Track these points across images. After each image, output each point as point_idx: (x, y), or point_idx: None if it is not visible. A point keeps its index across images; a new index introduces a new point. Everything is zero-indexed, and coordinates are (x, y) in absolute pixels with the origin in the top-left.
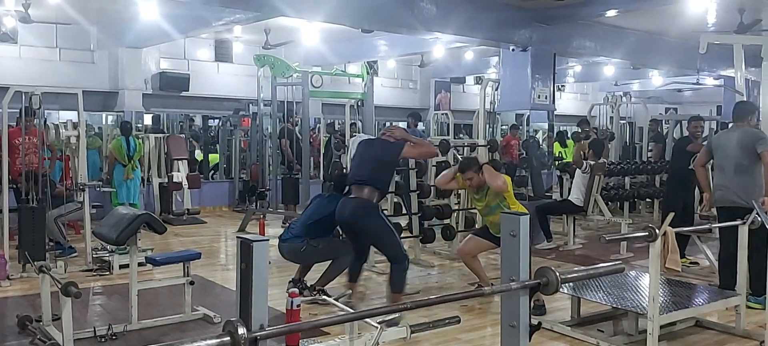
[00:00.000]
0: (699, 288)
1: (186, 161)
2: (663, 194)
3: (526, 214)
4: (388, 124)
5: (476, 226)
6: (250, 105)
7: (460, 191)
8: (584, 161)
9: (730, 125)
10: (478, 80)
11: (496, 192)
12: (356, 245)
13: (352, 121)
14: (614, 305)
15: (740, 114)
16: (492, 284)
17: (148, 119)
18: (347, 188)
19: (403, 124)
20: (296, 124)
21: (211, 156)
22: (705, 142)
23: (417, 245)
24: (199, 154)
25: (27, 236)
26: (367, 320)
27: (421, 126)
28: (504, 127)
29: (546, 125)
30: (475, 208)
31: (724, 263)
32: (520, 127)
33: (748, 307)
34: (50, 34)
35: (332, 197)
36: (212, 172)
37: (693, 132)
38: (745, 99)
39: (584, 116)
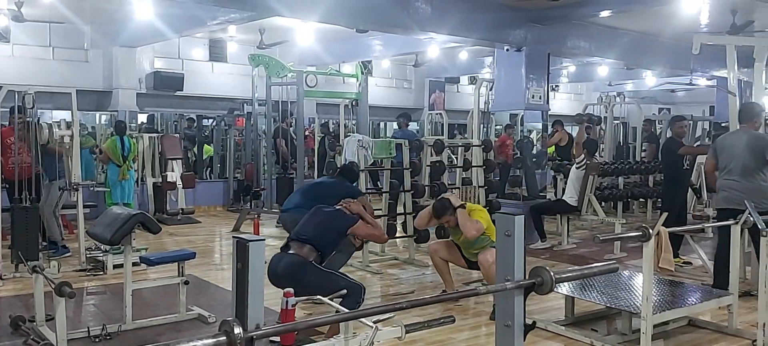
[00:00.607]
0: (692, 288)
1: (180, 161)
2: (661, 195)
3: (520, 214)
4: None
5: None
6: (245, 105)
7: (454, 190)
8: (582, 149)
9: (734, 127)
10: (473, 80)
11: (469, 239)
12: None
13: (347, 121)
14: (608, 305)
15: (746, 116)
16: (485, 285)
17: (142, 118)
18: (286, 243)
19: (395, 125)
20: (291, 125)
21: (205, 147)
22: (697, 144)
23: (411, 245)
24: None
25: (20, 235)
26: (362, 319)
27: (415, 125)
28: (498, 127)
29: (540, 125)
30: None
31: (719, 263)
32: (515, 126)
33: None
34: (44, 33)
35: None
36: (207, 168)
37: (677, 133)
38: (737, 100)
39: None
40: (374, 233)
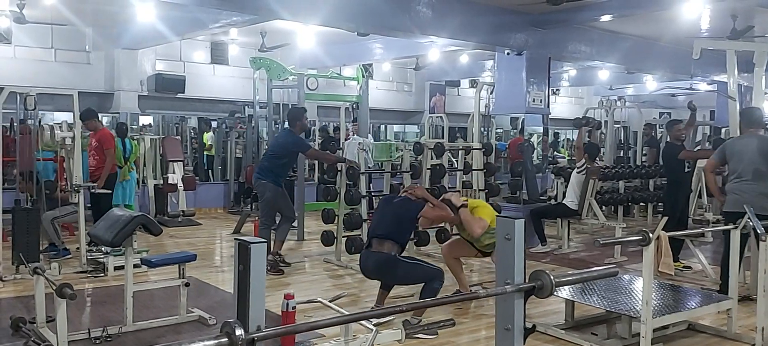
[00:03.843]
0: (692, 292)
1: (181, 163)
2: (663, 199)
3: (520, 218)
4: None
5: None
6: (246, 107)
7: (454, 192)
8: (583, 154)
9: (734, 131)
10: (473, 83)
11: (474, 237)
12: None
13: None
14: (608, 309)
15: (751, 121)
16: (485, 288)
17: (144, 120)
18: (368, 241)
19: (397, 128)
20: None
21: (204, 136)
22: (698, 148)
23: (411, 248)
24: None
25: (21, 237)
26: (362, 322)
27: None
28: (498, 130)
29: (541, 129)
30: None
31: (725, 268)
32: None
33: None
34: (45, 35)
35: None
36: (207, 160)
37: (675, 136)
38: (738, 104)
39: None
40: (442, 214)
